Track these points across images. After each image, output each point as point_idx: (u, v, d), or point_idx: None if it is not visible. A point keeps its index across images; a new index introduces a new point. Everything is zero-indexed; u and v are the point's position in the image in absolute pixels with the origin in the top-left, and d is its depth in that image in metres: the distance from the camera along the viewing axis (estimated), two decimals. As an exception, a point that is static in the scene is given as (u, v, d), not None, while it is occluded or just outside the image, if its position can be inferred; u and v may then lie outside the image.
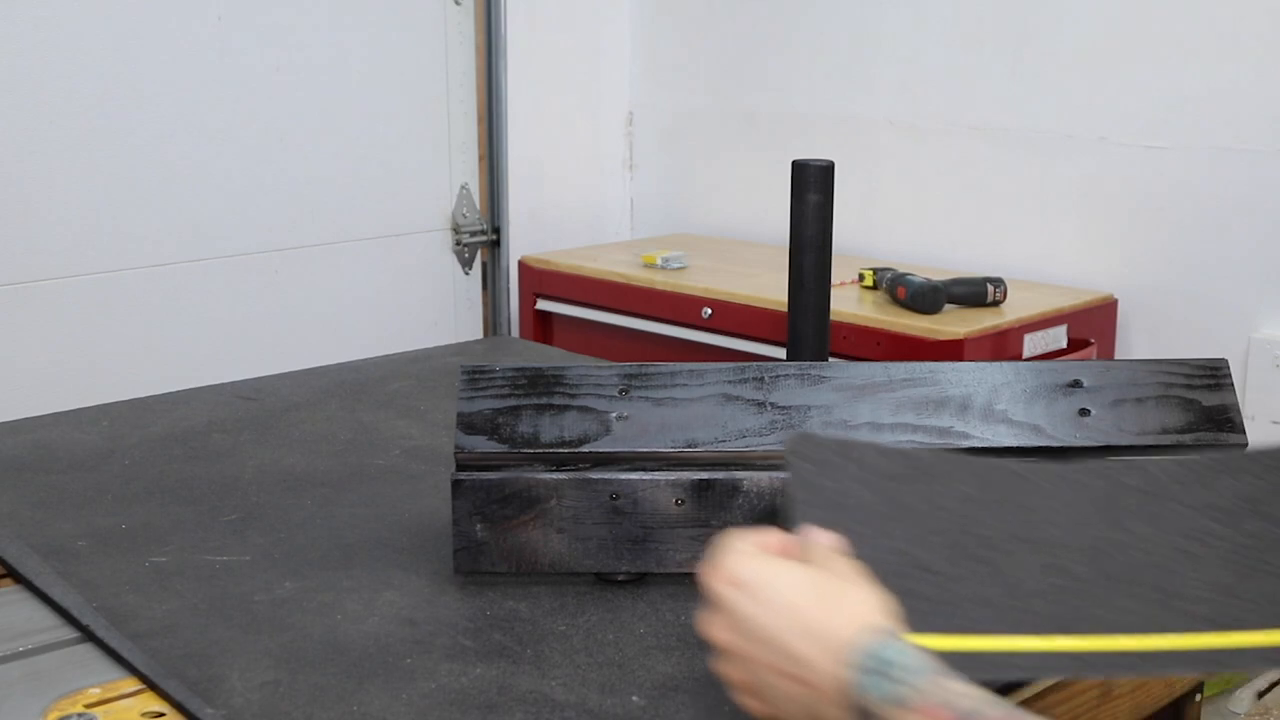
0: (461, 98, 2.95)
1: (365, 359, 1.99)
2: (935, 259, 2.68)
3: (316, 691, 1.01)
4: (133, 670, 1.05)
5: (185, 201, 2.54)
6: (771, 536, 0.83)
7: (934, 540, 0.89)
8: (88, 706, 1.00)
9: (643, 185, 3.30)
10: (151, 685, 1.03)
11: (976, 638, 0.82)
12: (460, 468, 1.20)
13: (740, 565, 0.80)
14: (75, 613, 1.13)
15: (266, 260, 2.68)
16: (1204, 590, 0.89)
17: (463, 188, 2.98)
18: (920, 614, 0.82)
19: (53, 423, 1.67)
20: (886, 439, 1.20)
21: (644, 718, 0.99)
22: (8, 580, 1.24)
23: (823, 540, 0.82)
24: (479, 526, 1.19)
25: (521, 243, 3.01)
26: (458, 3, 2.91)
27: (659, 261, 2.68)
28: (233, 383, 1.84)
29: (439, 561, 1.23)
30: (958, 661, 0.77)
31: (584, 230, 3.16)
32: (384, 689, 1.02)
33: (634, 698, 1.01)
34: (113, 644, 1.08)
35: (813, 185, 1.42)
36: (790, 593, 0.77)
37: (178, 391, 1.81)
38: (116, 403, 1.75)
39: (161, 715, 1.00)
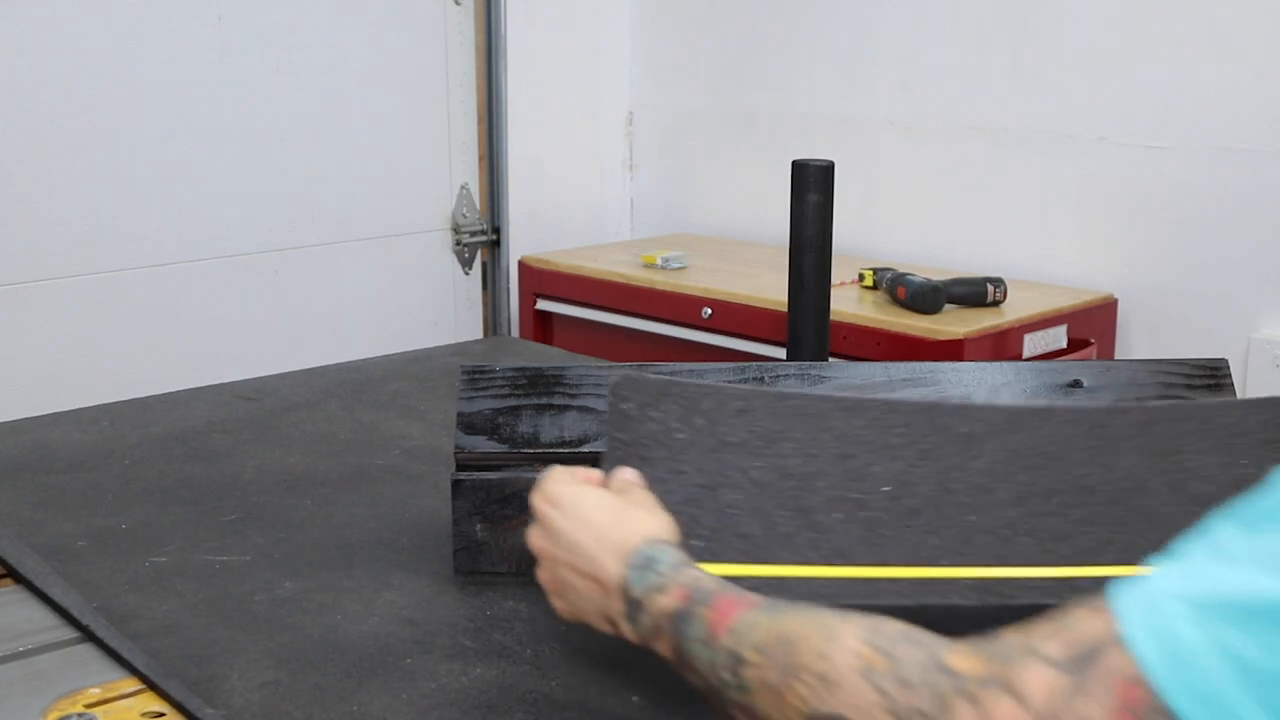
0: (461, 98, 2.95)
1: (365, 359, 1.99)
2: (935, 259, 2.68)
3: (316, 691, 1.01)
4: (133, 670, 1.05)
5: (185, 201, 2.54)
6: (589, 471, 0.99)
7: (738, 474, 0.98)
8: (88, 706, 1.00)
9: (643, 185, 3.30)
10: (151, 685, 1.03)
11: (756, 566, 0.94)
12: (460, 468, 1.20)
13: (557, 487, 0.95)
14: (75, 613, 1.13)
15: (266, 260, 2.68)
16: (993, 526, 0.96)
17: (463, 188, 2.98)
18: (705, 542, 0.95)
19: (53, 423, 1.67)
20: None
21: (644, 718, 0.99)
22: (8, 580, 1.24)
23: (626, 476, 0.97)
24: (479, 526, 1.19)
25: (521, 243, 3.01)
26: (458, 3, 2.91)
27: (659, 261, 2.68)
28: (233, 383, 1.84)
29: (439, 561, 1.24)
30: (751, 586, 0.85)
31: (584, 230, 3.16)
32: (384, 689, 1.02)
33: (634, 698, 1.01)
34: (113, 644, 1.08)
35: (813, 185, 1.42)
36: (591, 510, 0.92)
37: (178, 391, 1.81)
38: (116, 403, 1.75)
39: (161, 715, 1.00)
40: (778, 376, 1.24)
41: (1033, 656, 0.61)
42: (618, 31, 3.22)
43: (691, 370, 1.22)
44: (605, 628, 0.92)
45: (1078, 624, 0.60)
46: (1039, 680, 0.60)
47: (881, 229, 2.81)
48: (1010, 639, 0.63)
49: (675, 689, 1.02)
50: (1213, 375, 1.26)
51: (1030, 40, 2.57)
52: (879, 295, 2.40)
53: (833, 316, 1.51)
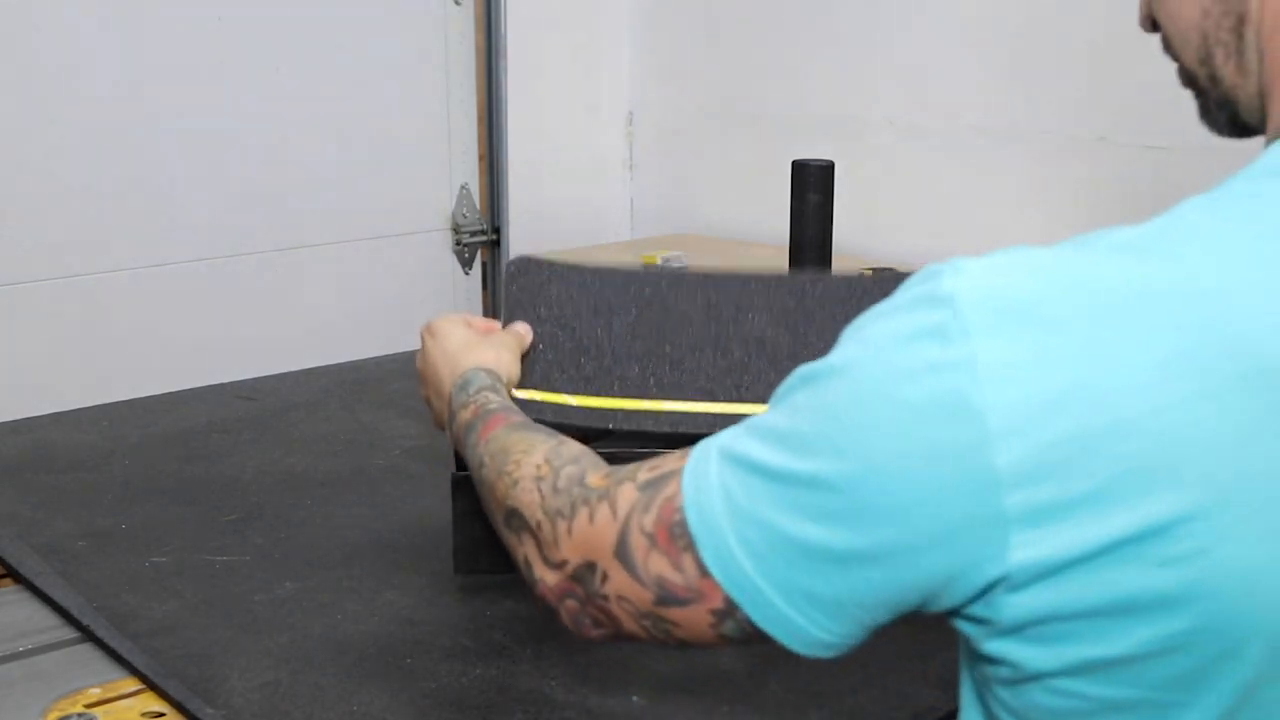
0: (461, 98, 2.95)
1: (365, 359, 1.99)
2: (935, 259, 2.67)
3: (316, 691, 1.01)
4: (133, 670, 1.05)
5: (185, 201, 2.54)
6: (473, 317, 1.24)
7: (600, 328, 1.20)
8: (88, 706, 1.00)
9: (643, 185, 3.30)
10: (151, 685, 1.03)
11: (562, 395, 1.19)
12: (460, 467, 1.20)
13: (438, 321, 1.21)
14: (75, 613, 1.13)
15: (266, 260, 2.68)
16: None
17: (463, 188, 2.98)
18: (544, 375, 1.20)
19: (53, 423, 1.67)
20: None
21: (644, 718, 0.99)
22: (8, 580, 1.24)
23: (516, 327, 1.23)
24: (479, 526, 1.19)
25: (521, 243, 3.01)
26: (458, 3, 2.91)
27: (659, 261, 2.68)
28: (233, 383, 1.84)
29: (439, 561, 1.24)
30: (540, 407, 1.16)
31: (584, 230, 3.16)
32: (384, 689, 1.02)
33: (634, 698, 1.01)
34: (113, 644, 1.08)
35: (813, 185, 1.42)
36: (451, 341, 1.17)
37: (178, 391, 1.81)
38: (116, 403, 1.75)
39: (161, 715, 1.00)
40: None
41: (630, 479, 0.76)
42: (618, 31, 3.22)
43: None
44: (444, 430, 1.13)
45: (668, 458, 0.75)
46: (626, 496, 0.75)
47: (881, 229, 2.81)
48: (634, 465, 0.78)
49: (675, 689, 1.02)
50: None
51: (1030, 40, 2.57)
52: (879, 295, 2.40)
53: (833, 317, 1.51)
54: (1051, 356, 0.61)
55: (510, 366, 1.16)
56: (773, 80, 2.97)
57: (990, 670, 0.68)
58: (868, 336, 0.67)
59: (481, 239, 3.01)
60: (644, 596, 0.73)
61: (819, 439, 0.66)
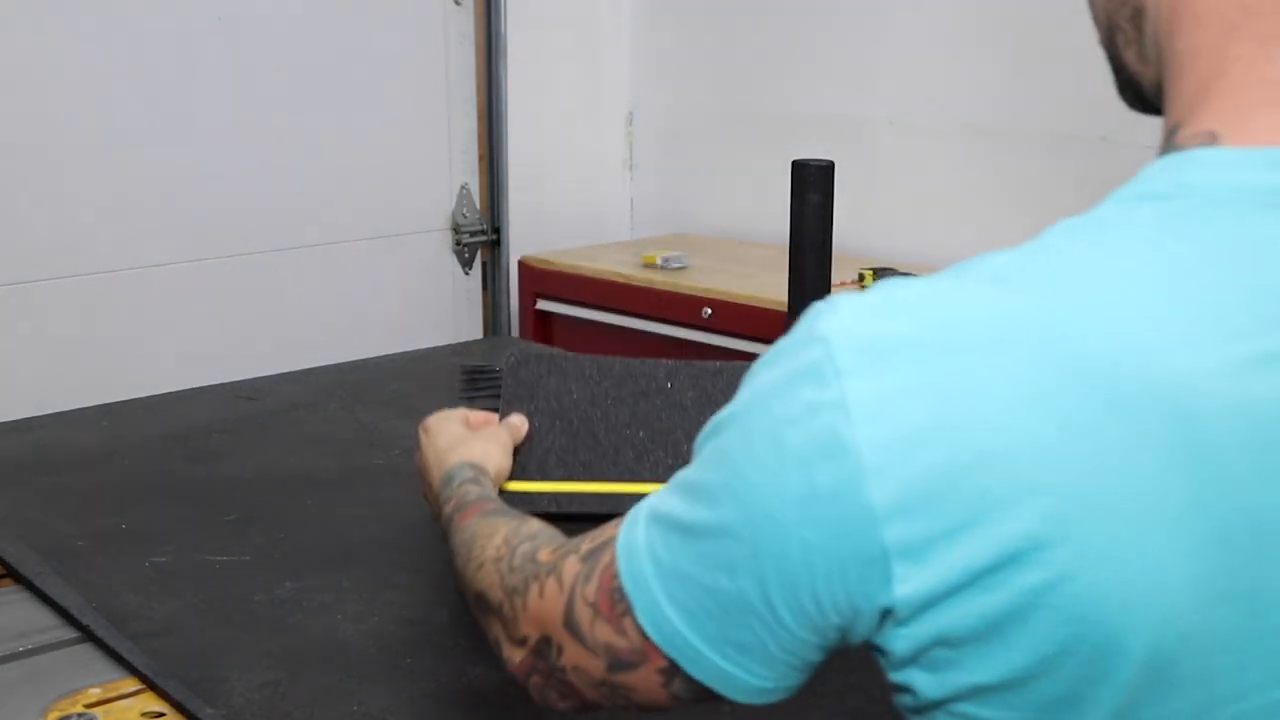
0: (461, 98, 2.94)
1: (365, 359, 1.99)
2: (935, 259, 2.67)
3: (316, 691, 1.01)
4: (133, 670, 1.05)
5: (185, 201, 2.54)
6: (470, 412, 1.26)
7: (596, 418, 1.23)
8: (88, 706, 1.00)
9: (643, 185, 3.30)
10: (151, 685, 1.03)
11: (558, 484, 1.22)
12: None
13: (432, 419, 1.22)
14: (75, 613, 1.13)
15: (266, 260, 2.68)
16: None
17: (463, 188, 2.98)
18: (540, 464, 1.23)
19: (53, 423, 1.67)
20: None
21: (644, 718, 0.99)
22: (8, 580, 1.24)
23: (513, 420, 1.26)
24: (479, 526, 1.19)
25: (521, 243, 3.01)
26: (458, 3, 2.91)
27: (659, 261, 2.68)
28: (233, 383, 1.84)
29: (439, 561, 1.23)
30: (535, 498, 1.21)
31: (584, 230, 3.16)
32: (384, 689, 1.02)
33: (634, 698, 1.01)
34: (113, 644, 1.08)
35: (813, 185, 1.42)
36: (442, 438, 1.18)
37: (178, 391, 1.81)
38: (116, 403, 1.75)
39: (161, 715, 1.00)
40: None
41: (575, 551, 0.78)
42: (618, 31, 3.22)
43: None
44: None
45: (607, 526, 0.77)
46: (570, 568, 0.77)
47: (881, 229, 2.81)
48: (581, 536, 0.79)
49: (675, 689, 1.02)
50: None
51: (1030, 40, 2.57)
52: (879, 295, 2.40)
53: (833, 317, 1.51)
54: (918, 392, 0.62)
55: (499, 459, 1.18)
56: (773, 80, 2.97)
57: (899, 698, 0.70)
58: (757, 383, 0.69)
59: (481, 239, 3.01)
60: (596, 665, 0.74)
61: (720, 488, 0.68)
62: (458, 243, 2.98)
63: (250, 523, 1.34)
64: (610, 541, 0.74)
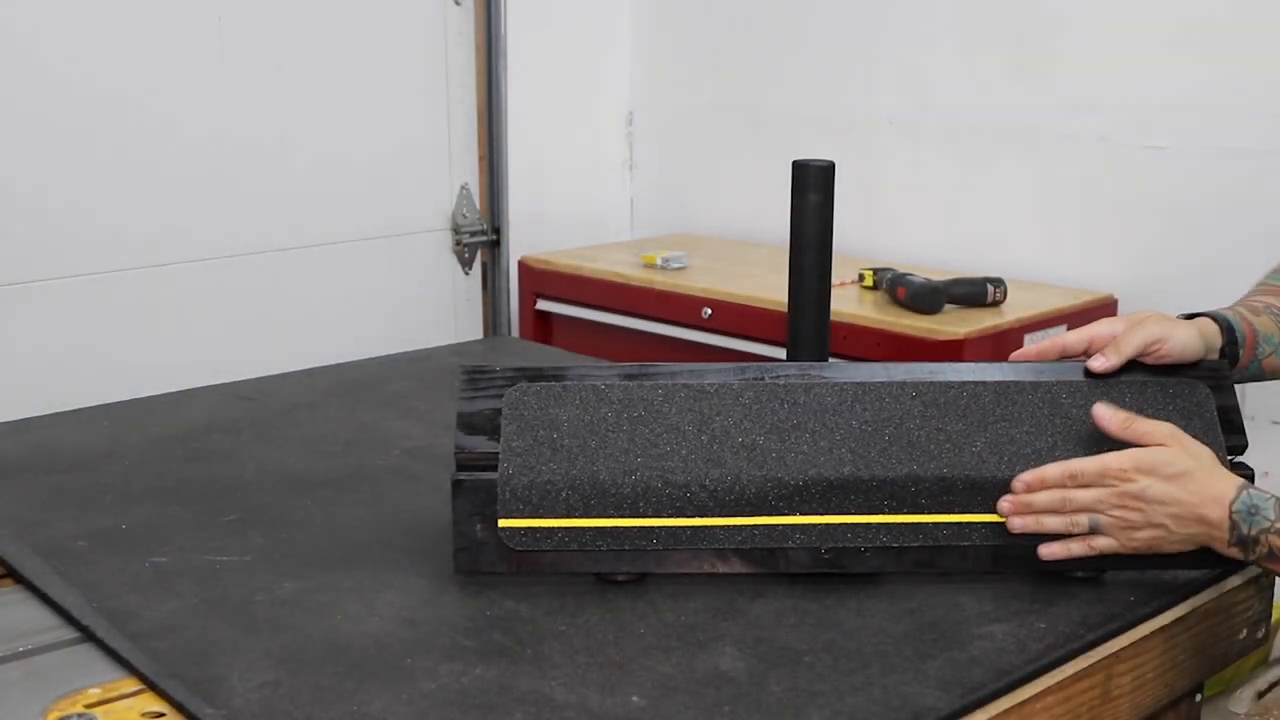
0: (461, 98, 2.95)
1: (365, 359, 1.99)
2: (935, 259, 2.68)
3: (316, 691, 1.01)
4: (133, 670, 1.05)
5: (185, 201, 2.54)
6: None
7: (595, 445, 1.20)
8: (88, 706, 1.00)
9: (643, 185, 3.30)
10: (151, 685, 1.03)
11: (560, 519, 1.18)
12: (460, 468, 1.20)
13: (1151, 460, 1.16)
14: (75, 613, 1.14)
15: (266, 260, 2.68)
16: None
17: (463, 188, 2.98)
18: (542, 500, 1.18)
19: (53, 423, 1.67)
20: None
21: (644, 718, 0.99)
22: (8, 580, 1.24)
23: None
24: (479, 526, 1.19)
25: (521, 243, 3.01)
26: (458, 3, 2.91)
27: (659, 261, 2.68)
28: (233, 383, 1.84)
29: (439, 561, 1.24)
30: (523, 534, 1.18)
31: (584, 230, 3.16)
32: (384, 689, 1.02)
33: (634, 698, 1.01)
34: (113, 644, 1.08)
35: (813, 185, 1.42)
36: (1178, 465, 1.16)
37: (178, 391, 1.81)
38: (116, 403, 1.75)
39: (161, 715, 1.00)
40: (778, 376, 1.24)
41: None
42: (618, 31, 3.22)
43: (691, 370, 1.26)
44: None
45: None
46: None
47: (881, 229, 2.81)
48: None
49: (675, 689, 1.02)
50: (1213, 376, 1.26)
51: (1030, 40, 2.57)
52: (879, 295, 2.40)
53: (833, 317, 1.51)
54: None
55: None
56: (773, 80, 2.97)
57: None
58: None
59: (481, 239, 3.01)
60: None
61: None
62: (458, 243, 2.98)
63: (250, 523, 1.35)
64: None
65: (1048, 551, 1.19)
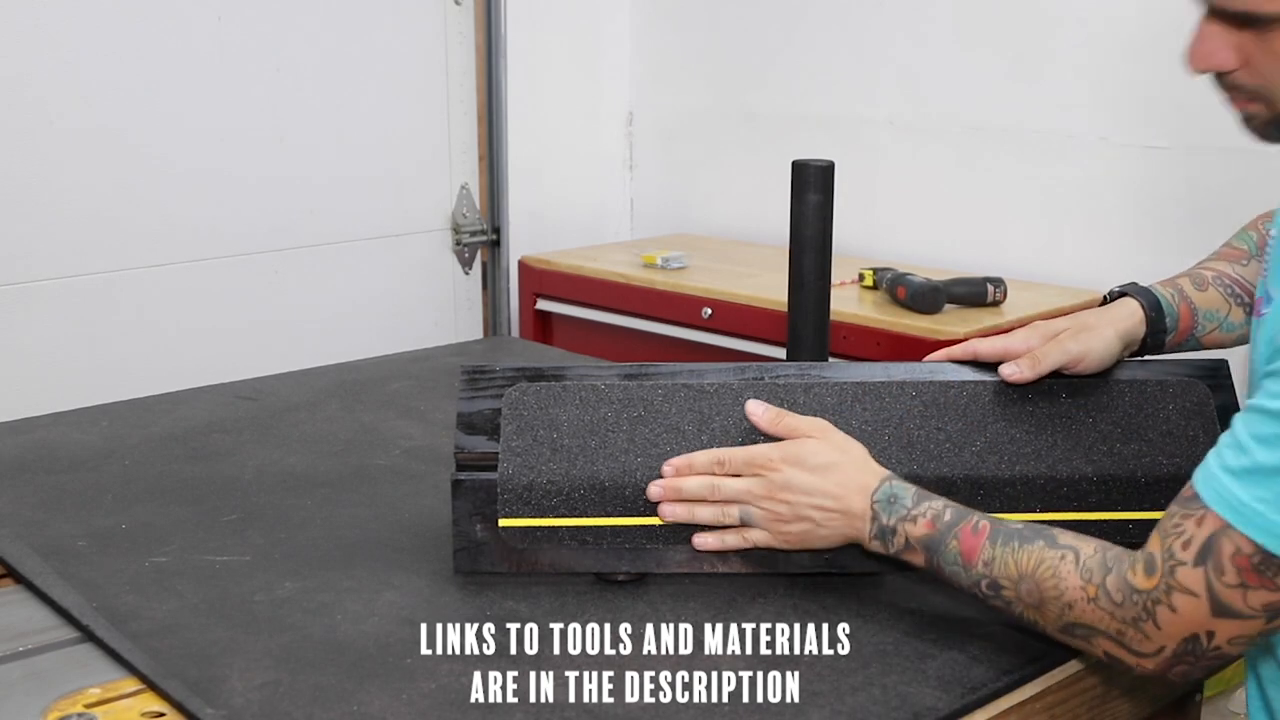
0: (461, 98, 2.95)
1: (365, 359, 1.99)
2: (935, 259, 2.68)
3: (316, 691, 1.01)
4: (133, 670, 1.05)
5: (185, 201, 2.54)
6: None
7: (594, 445, 1.21)
8: (88, 706, 1.00)
9: (643, 185, 3.30)
10: (151, 685, 1.03)
11: (557, 519, 1.19)
12: (460, 468, 1.21)
13: (786, 452, 1.17)
14: (75, 613, 1.14)
15: (266, 260, 2.68)
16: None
17: (463, 188, 2.98)
18: (539, 499, 1.20)
19: (53, 423, 1.67)
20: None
21: (644, 717, 0.99)
22: (8, 580, 1.24)
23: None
24: (479, 526, 1.19)
25: (521, 243, 3.01)
26: (458, 3, 2.91)
27: (659, 261, 2.68)
28: (233, 383, 1.84)
29: (439, 561, 1.24)
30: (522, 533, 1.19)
31: (584, 230, 3.16)
32: (384, 689, 1.02)
33: (634, 697, 1.01)
34: (113, 644, 1.08)
35: (813, 185, 1.42)
36: (818, 458, 1.16)
37: (178, 391, 1.81)
38: (116, 403, 1.75)
39: (161, 715, 1.00)
40: (778, 376, 1.24)
41: (1177, 564, 0.95)
42: (618, 31, 3.22)
43: (691, 370, 1.25)
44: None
45: (1185, 530, 0.95)
46: (1192, 577, 0.95)
47: (881, 229, 2.81)
48: (1151, 556, 0.97)
49: (676, 689, 1.02)
50: (1213, 376, 1.26)
51: (1030, 40, 2.57)
52: (879, 295, 2.40)
53: (833, 316, 1.51)
54: None
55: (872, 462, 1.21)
56: (773, 80, 2.97)
57: None
58: None
59: (481, 239, 3.01)
60: (1256, 625, 0.96)
61: None
62: (458, 243, 2.98)
63: (250, 523, 1.35)
64: (1212, 537, 0.94)
65: (701, 542, 1.19)
